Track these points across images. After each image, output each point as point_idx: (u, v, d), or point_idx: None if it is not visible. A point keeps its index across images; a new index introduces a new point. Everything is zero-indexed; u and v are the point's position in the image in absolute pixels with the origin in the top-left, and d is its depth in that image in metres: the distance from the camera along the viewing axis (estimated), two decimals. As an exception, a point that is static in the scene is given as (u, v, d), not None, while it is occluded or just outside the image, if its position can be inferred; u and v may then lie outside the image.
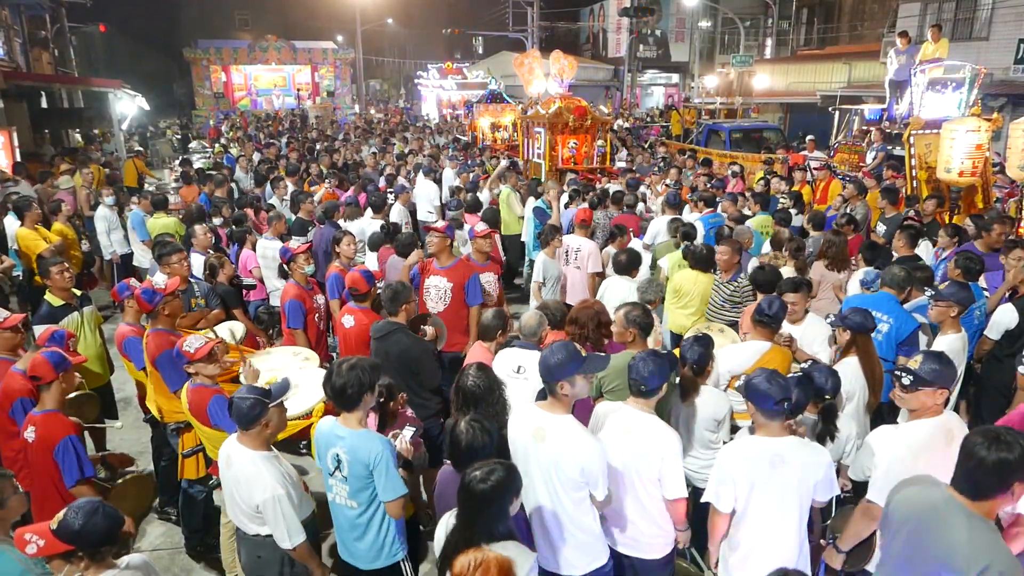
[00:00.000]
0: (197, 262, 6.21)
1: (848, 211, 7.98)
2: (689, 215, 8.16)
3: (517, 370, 4.11)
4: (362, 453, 3.10)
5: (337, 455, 3.17)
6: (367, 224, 8.13)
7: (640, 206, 9.15)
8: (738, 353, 4.31)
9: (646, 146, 17.17)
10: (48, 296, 5.28)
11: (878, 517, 2.95)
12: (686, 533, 3.37)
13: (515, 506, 2.64)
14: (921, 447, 3.05)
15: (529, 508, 3.11)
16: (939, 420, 3.11)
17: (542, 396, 3.32)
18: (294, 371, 4.45)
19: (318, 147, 15.51)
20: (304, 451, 5.20)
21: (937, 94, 9.17)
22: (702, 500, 3.20)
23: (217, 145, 19.06)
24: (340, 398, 3.14)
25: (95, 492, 3.66)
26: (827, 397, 3.54)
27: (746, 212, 8.33)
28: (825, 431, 3.51)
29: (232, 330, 5.28)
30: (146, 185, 15.06)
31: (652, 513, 3.24)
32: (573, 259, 6.88)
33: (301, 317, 5.40)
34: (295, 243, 5.84)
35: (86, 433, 4.49)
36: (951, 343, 4.48)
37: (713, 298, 5.72)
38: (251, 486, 3.14)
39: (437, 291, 5.46)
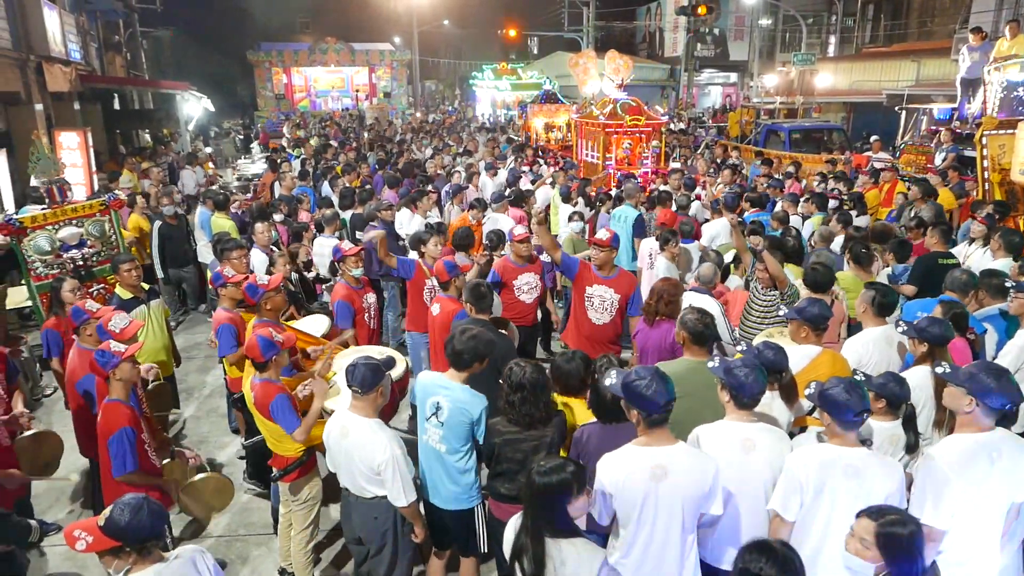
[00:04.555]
0: (258, 259, 6.39)
1: (915, 213, 7.70)
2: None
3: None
4: (466, 406, 3.61)
5: (438, 403, 3.65)
6: (408, 219, 8.28)
7: (696, 205, 9.01)
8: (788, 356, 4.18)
9: (701, 147, 16.87)
10: (118, 290, 5.63)
11: (940, 540, 2.87)
12: None
13: (579, 506, 2.68)
14: (958, 464, 2.91)
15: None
16: (982, 437, 2.96)
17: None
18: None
19: (368, 153, 15.67)
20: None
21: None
22: (768, 507, 3.10)
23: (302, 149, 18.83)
24: (456, 359, 3.66)
25: (142, 484, 3.73)
26: (906, 404, 3.42)
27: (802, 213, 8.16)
28: (913, 440, 3.40)
29: (318, 323, 5.50)
30: (214, 185, 15.60)
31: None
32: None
33: (350, 317, 5.51)
34: (347, 244, 5.95)
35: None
36: None
37: (748, 312, 5.43)
38: (373, 448, 3.44)
39: (602, 301, 5.35)
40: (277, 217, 8.32)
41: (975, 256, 6.33)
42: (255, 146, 25.59)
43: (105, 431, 3.75)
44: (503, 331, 4.93)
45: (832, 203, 8.63)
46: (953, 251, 6.45)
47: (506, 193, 9.04)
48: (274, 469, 4.16)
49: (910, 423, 3.43)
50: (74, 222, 6.42)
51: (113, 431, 3.71)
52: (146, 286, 5.78)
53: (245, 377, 4.73)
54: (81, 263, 6.29)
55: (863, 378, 3.50)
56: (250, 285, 4.72)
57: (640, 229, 7.64)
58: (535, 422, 3.49)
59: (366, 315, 5.72)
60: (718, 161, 13.68)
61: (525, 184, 10.34)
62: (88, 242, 6.40)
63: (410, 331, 6.13)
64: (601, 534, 3.11)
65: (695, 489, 2.91)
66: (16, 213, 7.22)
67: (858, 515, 2.52)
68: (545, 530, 2.63)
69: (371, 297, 5.83)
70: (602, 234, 5.46)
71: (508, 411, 3.53)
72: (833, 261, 5.75)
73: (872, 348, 4.31)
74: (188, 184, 14.04)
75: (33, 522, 3.65)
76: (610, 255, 5.42)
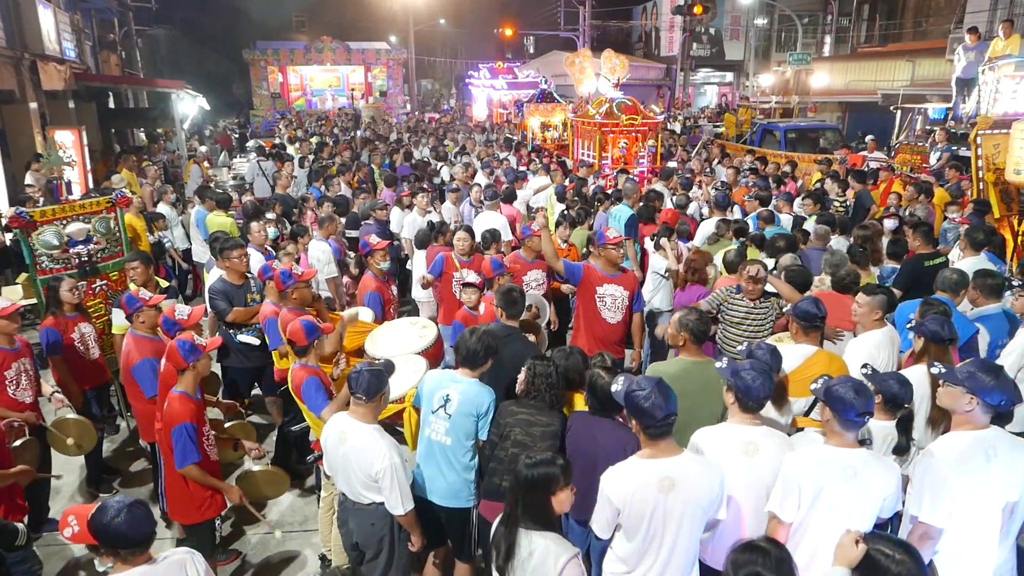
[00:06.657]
0: (254, 258, 6.38)
1: (910, 212, 7.74)
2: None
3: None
4: (477, 397, 3.67)
5: (447, 395, 3.71)
6: (399, 217, 8.32)
7: (694, 206, 9.04)
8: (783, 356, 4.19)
9: (698, 147, 16.85)
10: (131, 287, 5.71)
11: (937, 538, 2.87)
12: None
13: (562, 499, 2.72)
14: (957, 462, 2.92)
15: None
16: (979, 434, 2.97)
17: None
18: (400, 357, 4.44)
19: (363, 155, 15.52)
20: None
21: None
22: (765, 509, 3.09)
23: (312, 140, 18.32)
24: (472, 359, 3.71)
25: (202, 482, 3.88)
26: (906, 405, 3.41)
27: (799, 212, 8.19)
28: (905, 443, 3.39)
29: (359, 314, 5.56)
30: (212, 184, 15.54)
31: None
32: None
33: (380, 308, 5.65)
34: (375, 238, 6.07)
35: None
36: None
37: (740, 323, 5.13)
38: (372, 455, 3.39)
39: (613, 300, 5.38)
40: (270, 216, 8.25)
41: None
42: (250, 144, 25.42)
43: (169, 422, 3.81)
44: (531, 336, 4.90)
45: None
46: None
47: (490, 193, 9.00)
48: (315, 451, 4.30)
49: (905, 425, 3.41)
50: (81, 218, 6.46)
51: (177, 423, 3.78)
52: (165, 283, 5.84)
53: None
54: (86, 259, 6.32)
55: (871, 372, 3.51)
56: (283, 271, 4.99)
57: (633, 229, 7.63)
58: (554, 405, 3.63)
59: (392, 307, 5.97)
60: (712, 161, 13.69)
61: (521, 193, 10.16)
62: (94, 238, 6.43)
63: (443, 324, 6.10)
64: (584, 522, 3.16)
65: (703, 499, 2.91)
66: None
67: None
68: (522, 521, 2.68)
69: (393, 289, 6.05)
70: (612, 233, 5.49)
71: (533, 385, 3.62)
72: (845, 258, 5.77)
73: (879, 351, 4.29)
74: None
75: (20, 525, 3.60)
76: (620, 253, 5.47)
